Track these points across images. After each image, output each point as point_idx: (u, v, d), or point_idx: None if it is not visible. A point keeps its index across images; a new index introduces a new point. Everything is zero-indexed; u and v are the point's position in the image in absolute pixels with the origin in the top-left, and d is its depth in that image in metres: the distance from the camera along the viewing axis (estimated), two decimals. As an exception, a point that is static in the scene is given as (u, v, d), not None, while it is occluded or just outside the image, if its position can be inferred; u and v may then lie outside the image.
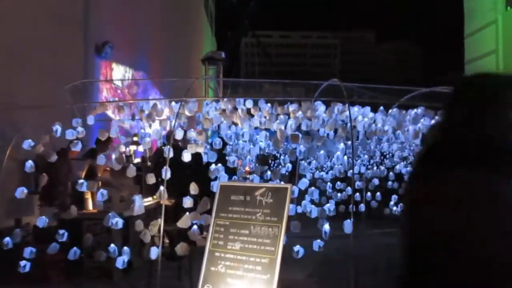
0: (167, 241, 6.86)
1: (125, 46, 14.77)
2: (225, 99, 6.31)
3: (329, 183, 8.62)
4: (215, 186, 4.44)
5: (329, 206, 4.93)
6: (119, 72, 15.27)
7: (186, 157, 4.92)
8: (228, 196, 3.88)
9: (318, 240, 4.72)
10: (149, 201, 6.98)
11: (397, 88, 7.01)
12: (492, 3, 31.39)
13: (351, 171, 8.56)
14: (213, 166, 5.06)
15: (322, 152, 5.01)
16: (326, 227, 4.67)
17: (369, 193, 8.72)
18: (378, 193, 8.74)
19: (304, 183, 4.80)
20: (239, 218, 3.74)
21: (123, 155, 7.05)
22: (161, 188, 4.77)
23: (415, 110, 6.38)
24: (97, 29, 12.69)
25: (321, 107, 5.93)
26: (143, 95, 15.20)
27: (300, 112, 5.76)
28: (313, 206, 4.85)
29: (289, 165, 8.87)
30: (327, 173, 8.59)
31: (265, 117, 5.82)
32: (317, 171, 8.56)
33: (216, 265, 3.67)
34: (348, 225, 4.65)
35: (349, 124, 5.27)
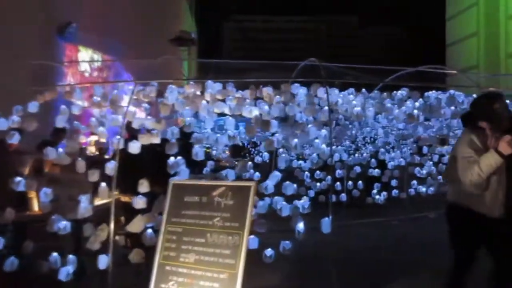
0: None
1: (93, 28, 13.82)
2: (191, 82, 5.62)
3: (307, 173, 8.06)
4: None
5: (303, 203, 4.32)
6: (87, 56, 14.35)
7: (133, 148, 4.25)
8: (181, 197, 3.24)
9: (287, 242, 4.13)
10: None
11: (380, 68, 6.41)
12: (474, -15, 31.16)
13: (330, 159, 8.02)
14: (172, 159, 4.39)
15: (296, 140, 4.38)
16: (300, 226, 4.08)
17: (350, 182, 8.21)
18: (360, 182, 8.23)
19: (275, 176, 4.17)
20: (194, 224, 3.11)
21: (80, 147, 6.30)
22: (103, 184, 4.12)
23: (399, 91, 5.79)
24: (59, 8, 11.77)
25: (300, 90, 5.29)
26: (114, 79, 14.33)
27: (277, 96, 5.11)
28: (284, 202, 4.23)
29: (266, 154, 8.28)
30: (305, 161, 8.00)
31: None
32: (295, 160, 7.96)
33: (167, 282, 3.04)
34: (326, 224, 4.06)
35: (326, 108, 4.65)
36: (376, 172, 8.28)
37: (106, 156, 7.56)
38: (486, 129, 3.25)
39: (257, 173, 7.64)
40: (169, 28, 22.26)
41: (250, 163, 7.68)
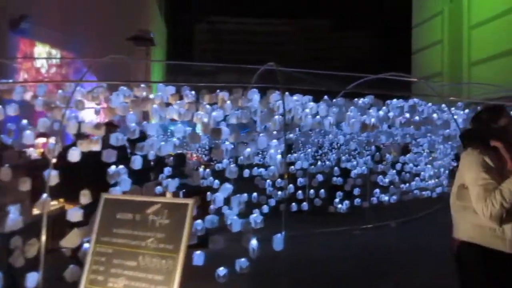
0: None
1: (53, 23, 13.18)
2: (141, 85, 5.26)
3: (268, 181, 7.81)
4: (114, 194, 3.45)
5: (256, 218, 4.03)
6: (44, 51, 13.70)
7: (72, 156, 3.87)
8: (113, 213, 2.89)
9: (242, 259, 3.84)
10: (54, 205, 5.82)
11: (343, 74, 6.22)
12: (439, -6, 31.97)
13: (292, 167, 7.81)
14: (113, 168, 4.03)
15: (248, 149, 4.11)
16: (253, 243, 3.79)
17: (312, 190, 8.01)
18: (322, 190, 8.04)
19: (226, 189, 3.88)
20: (125, 245, 2.77)
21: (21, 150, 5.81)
22: (44, 195, 3.72)
23: (361, 99, 5.61)
24: (13, 0, 11.15)
25: (255, 96, 5.02)
26: (74, 78, 13.72)
27: (229, 102, 4.83)
28: (235, 217, 3.94)
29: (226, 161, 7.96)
30: (266, 169, 7.74)
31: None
32: (256, 168, 7.69)
33: (92, 310, 2.69)
34: (278, 241, 3.79)
35: (279, 115, 4.38)
36: (338, 180, 8.12)
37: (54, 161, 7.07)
38: (500, 149, 2.77)
39: (217, 181, 7.36)
40: (135, 27, 21.67)
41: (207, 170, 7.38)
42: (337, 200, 8.35)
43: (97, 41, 15.18)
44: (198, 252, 3.69)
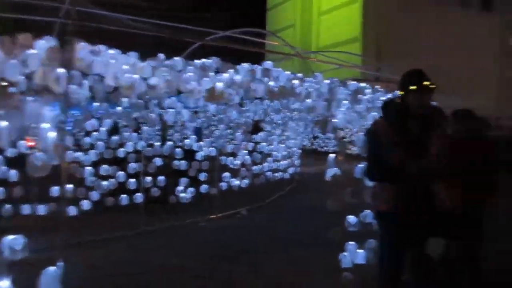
0: None
1: None
2: None
3: (90, 168, 6.05)
4: None
5: (14, 241, 2.33)
6: None
7: None
8: None
9: None
10: None
11: (185, 28, 4.80)
12: (291, -22, 32.83)
13: (123, 149, 6.17)
14: None
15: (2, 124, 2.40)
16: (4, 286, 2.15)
17: (148, 178, 6.47)
18: (162, 177, 6.57)
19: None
20: None
21: None
22: None
23: (203, 59, 4.24)
24: None
25: (42, 42, 3.25)
26: None
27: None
28: None
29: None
30: (86, 153, 5.96)
31: None
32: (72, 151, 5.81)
33: None
34: (49, 280, 2.22)
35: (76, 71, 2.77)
36: (181, 164, 6.73)
37: None
38: None
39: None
40: None
41: None
42: (180, 188, 6.97)
43: None
44: None
